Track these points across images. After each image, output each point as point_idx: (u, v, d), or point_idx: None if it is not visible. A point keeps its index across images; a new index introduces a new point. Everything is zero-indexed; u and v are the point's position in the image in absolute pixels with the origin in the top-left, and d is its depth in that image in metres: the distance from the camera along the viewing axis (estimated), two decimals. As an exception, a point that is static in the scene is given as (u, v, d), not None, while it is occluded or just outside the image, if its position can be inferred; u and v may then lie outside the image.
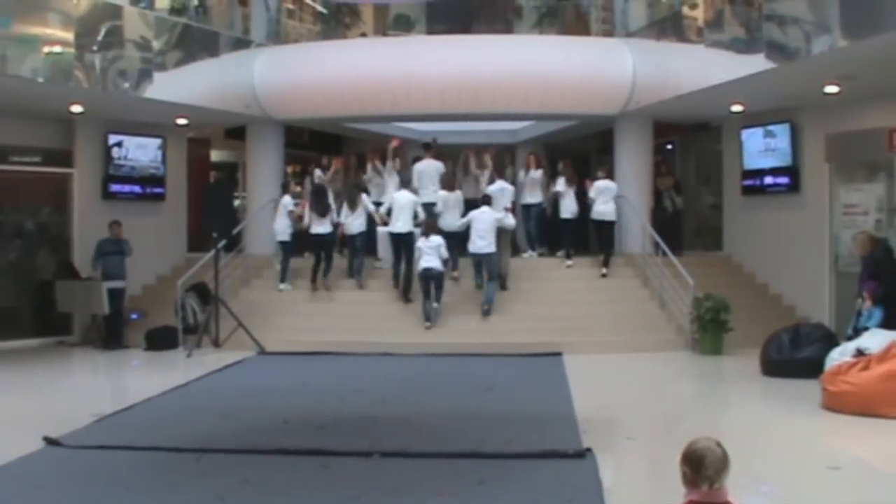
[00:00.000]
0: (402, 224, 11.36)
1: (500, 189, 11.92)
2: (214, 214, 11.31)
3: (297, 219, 12.07)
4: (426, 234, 11.02)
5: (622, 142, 12.83)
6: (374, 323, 10.93)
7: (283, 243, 12.12)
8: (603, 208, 12.01)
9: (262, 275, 12.45)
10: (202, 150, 14.91)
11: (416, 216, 11.45)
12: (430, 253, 10.86)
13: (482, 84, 11.99)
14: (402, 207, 11.42)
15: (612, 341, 10.37)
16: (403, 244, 11.37)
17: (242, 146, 13.97)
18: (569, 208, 12.38)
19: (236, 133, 14.18)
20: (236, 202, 15.05)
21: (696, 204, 14.19)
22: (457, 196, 11.90)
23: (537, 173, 12.84)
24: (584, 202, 12.37)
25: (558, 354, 9.93)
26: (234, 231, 12.14)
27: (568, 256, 12.28)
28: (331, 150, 17.48)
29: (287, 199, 12.23)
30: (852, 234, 9.67)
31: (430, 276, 10.90)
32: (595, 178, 12.27)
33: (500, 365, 9.46)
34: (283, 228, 12.06)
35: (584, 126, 14.68)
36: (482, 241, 11.04)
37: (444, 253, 10.94)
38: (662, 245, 11.19)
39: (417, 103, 12.35)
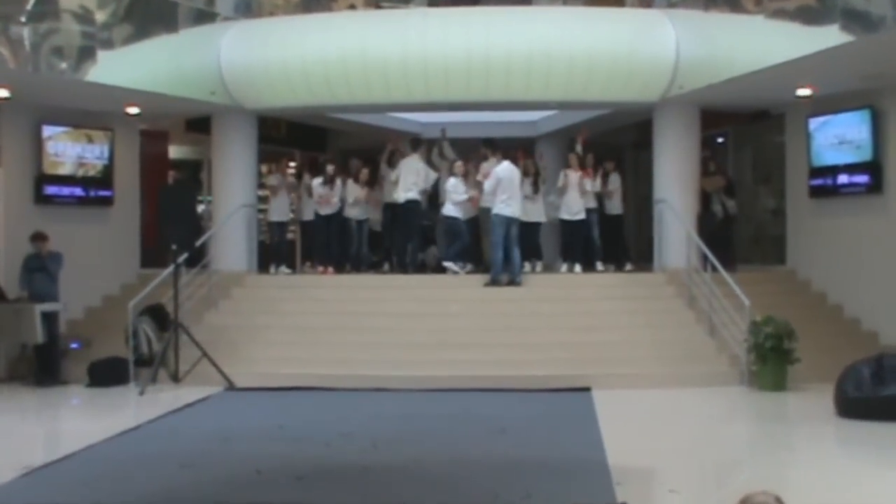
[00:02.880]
0: (403, 192, 13.11)
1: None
2: (173, 222, 11.26)
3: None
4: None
5: (663, 134, 12.84)
6: (368, 352, 10.90)
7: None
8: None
9: (232, 295, 12.45)
10: (158, 146, 14.94)
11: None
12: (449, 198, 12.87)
13: (494, 66, 12.02)
14: (404, 176, 13.23)
15: (651, 374, 10.34)
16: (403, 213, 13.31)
17: (207, 140, 14.01)
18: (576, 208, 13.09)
19: (200, 125, 14.23)
20: (200, 207, 15.06)
21: (753, 208, 14.18)
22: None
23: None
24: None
25: (586, 390, 9.91)
26: (198, 242, 12.13)
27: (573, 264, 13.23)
28: (313, 145, 17.53)
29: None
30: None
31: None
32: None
33: (516, 402, 9.43)
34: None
35: (617, 116, 14.71)
36: (513, 203, 12.26)
37: (455, 197, 12.89)
38: (712, 258, 11.17)
39: (417, 90, 12.38)
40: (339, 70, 12.29)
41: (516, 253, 12.25)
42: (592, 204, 13.25)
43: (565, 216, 13.24)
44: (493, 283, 12.14)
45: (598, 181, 13.23)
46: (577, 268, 13.12)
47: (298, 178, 14.53)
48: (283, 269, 13.81)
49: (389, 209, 13.95)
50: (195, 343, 10.60)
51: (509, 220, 12.23)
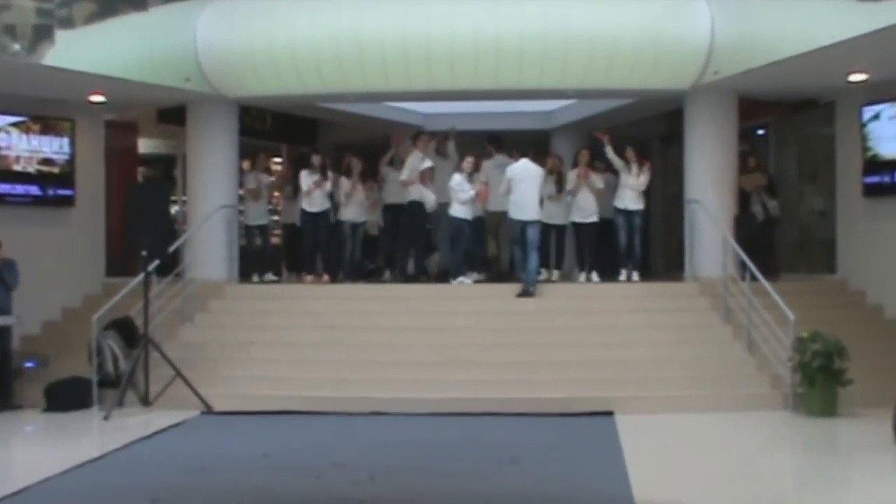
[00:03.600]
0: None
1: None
2: (143, 225, 11.22)
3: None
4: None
5: (695, 126, 12.86)
6: (364, 372, 10.88)
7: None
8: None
9: (209, 307, 12.45)
10: (126, 139, 14.97)
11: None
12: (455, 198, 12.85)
13: (505, 50, 12.03)
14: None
15: (682, 397, 10.31)
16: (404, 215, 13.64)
17: (182, 133, 14.03)
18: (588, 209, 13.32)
19: (173, 115, 14.24)
20: (174, 209, 15.04)
21: (798, 209, 14.17)
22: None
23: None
24: None
25: (608, 414, 9.91)
26: (171, 248, 12.08)
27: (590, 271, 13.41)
28: (302, 139, 17.53)
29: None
30: None
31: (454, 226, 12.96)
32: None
33: (529, 428, 9.43)
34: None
35: (643, 106, 14.76)
36: (524, 206, 12.38)
37: (460, 197, 12.83)
38: (751, 266, 11.13)
39: (419, 77, 12.41)
40: (332, 54, 12.27)
41: (532, 259, 12.30)
42: (638, 205, 13.11)
43: (577, 218, 13.43)
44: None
45: (644, 177, 13.10)
46: (594, 276, 13.25)
47: (293, 176, 14.54)
48: (270, 275, 13.88)
49: (390, 211, 13.98)
50: (168, 361, 10.55)
51: (522, 224, 12.31)
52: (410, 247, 13.68)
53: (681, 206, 13.12)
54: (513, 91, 13.08)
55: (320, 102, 14.88)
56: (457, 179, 12.88)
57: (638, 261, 13.22)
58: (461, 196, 12.81)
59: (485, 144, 14.00)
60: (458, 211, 12.85)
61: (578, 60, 12.06)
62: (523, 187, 12.30)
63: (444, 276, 13.48)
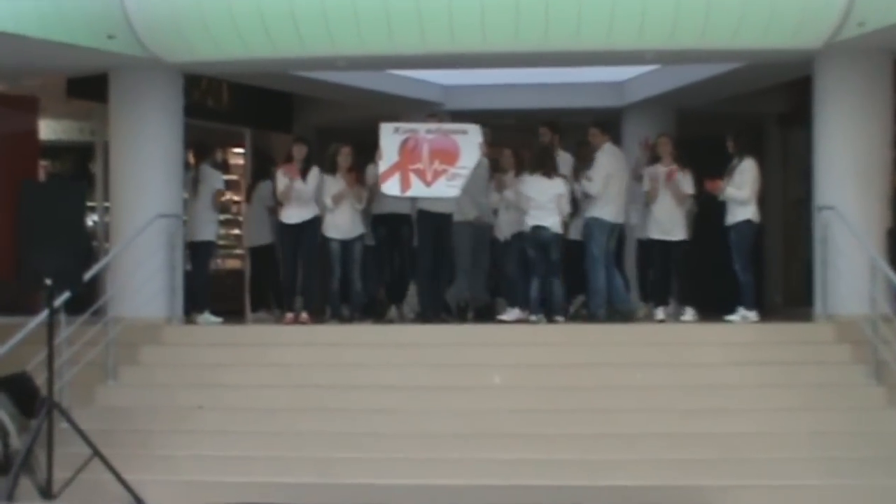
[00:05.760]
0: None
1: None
2: (47, 242, 11.24)
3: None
4: (545, 171, 13.21)
5: (830, 102, 12.91)
6: (359, 449, 10.90)
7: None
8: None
9: (141, 358, 12.53)
10: (23, 120, 15.19)
11: None
12: (544, 205, 13.02)
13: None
14: None
15: (810, 486, 10.26)
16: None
17: (102, 113, 14.16)
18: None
19: (90, 88, 14.39)
20: (90, 219, 15.07)
21: None
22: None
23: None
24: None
25: (706, 511, 9.91)
26: (88, 274, 12.10)
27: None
28: (272, 121, 17.61)
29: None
30: None
31: (543, 242, 13.06)
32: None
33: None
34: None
35: (755, 74, 14.87)
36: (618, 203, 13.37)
37: (567, 207, 13.19)
38: (913, 300, 11.12)
39: (436, 36, 12.57)
40: (312, 4, 12.34)
41: (618, 275, 13.08)
42: (744, 214, 13.04)
43: (655, 234, 13.59)
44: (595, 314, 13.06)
45: (747, 179, 13.04)
46: (689, 314, 13.43)
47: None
48: (208, 316, 13.95)
49: (384, 223, 14.10)
50: (81, 435, 10.48)
51: (612, 228, 13.01)
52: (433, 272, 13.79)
53: (808, 214, 13.11)
54: (568, 54, 13.18)
55: (297, 70, 15.00)
56: (561, 186, 13.22)
57: (749, 294, 13.16)
58: (565, 206, 13.20)
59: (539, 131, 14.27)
60: (555, 224, 13.11)
61: (662, 13, 12.13)
62: (616, 180, 12.74)
63: (480, 314, 13.62)
